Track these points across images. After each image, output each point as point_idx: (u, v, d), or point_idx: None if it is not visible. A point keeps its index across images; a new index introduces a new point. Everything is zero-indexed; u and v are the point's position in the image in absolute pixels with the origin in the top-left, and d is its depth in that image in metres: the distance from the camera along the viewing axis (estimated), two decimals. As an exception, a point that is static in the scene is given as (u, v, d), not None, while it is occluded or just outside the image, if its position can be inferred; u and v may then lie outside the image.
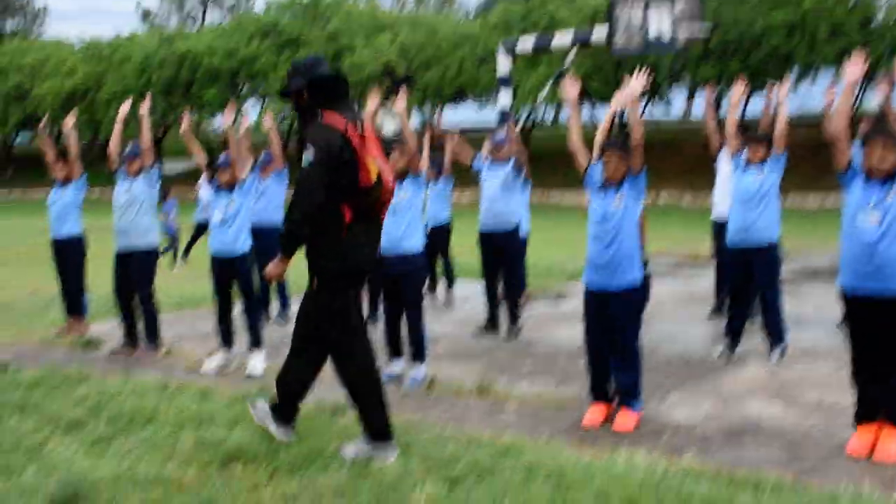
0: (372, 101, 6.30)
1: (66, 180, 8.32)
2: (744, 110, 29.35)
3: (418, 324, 6.39)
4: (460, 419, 5.45)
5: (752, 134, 6.90)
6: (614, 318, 5.33)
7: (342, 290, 4.65)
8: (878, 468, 4.51)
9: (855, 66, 4.82)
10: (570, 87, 5.64)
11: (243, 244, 7.04)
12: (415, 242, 6.35)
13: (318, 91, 4.59)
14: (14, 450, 4.80)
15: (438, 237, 10.37)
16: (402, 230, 6.27)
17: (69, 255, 8.38)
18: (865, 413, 4.76)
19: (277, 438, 4.83)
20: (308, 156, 4.42)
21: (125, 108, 8.02)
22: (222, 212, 6.96)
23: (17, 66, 50.87)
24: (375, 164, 4.52)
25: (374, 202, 4.58)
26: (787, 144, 6.81)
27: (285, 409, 4.91)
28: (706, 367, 6.84)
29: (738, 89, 7.11)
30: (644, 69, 5.51)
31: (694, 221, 24.11)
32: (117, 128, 7.93)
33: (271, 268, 4.70)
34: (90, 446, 4.89)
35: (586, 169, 5.47)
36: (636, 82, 5.39)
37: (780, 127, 6.72)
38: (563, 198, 34.56)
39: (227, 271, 7.02)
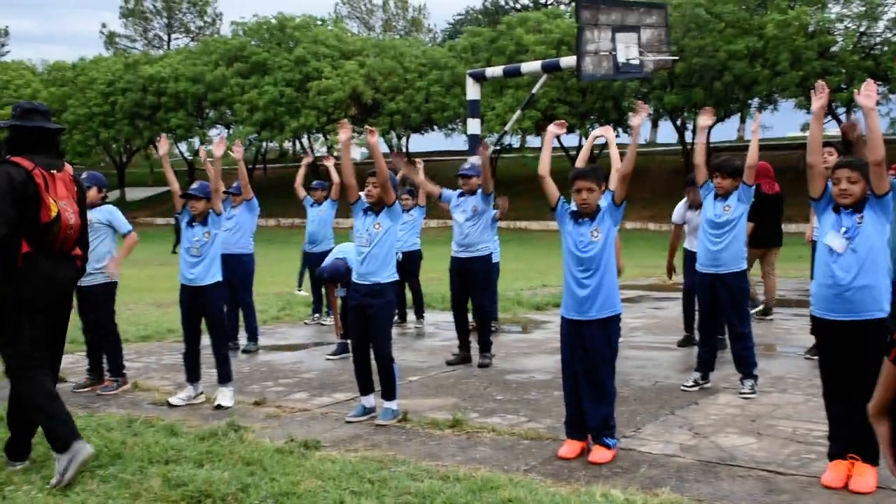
0: (344, 132, 6.27)
1: None
2: (708, 138, 29.77)
3: (388, 363, 6.25)
4: (435, 454, 5.39)
5: (721, 163, 6.94)
6: (591, 349, 5.30)
7: (14, 314, 4.89)
8: (853, 499, 4.51)
9: (819, 98, 4.89)
10: (557, 128, 5.78)
11: (214, 275, 6.93)
12: (387, 274, 6.28)
13: (17, 138, 5.02)
14: (-26, 491, 4.65)
15: (408, 265, 10.37)
16: (376, 261, 6.20)
17: None
18: (838, 451, 4.79)
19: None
20: None
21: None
22: (198, 243, 6.84)
23: (-23, 89, 50.26)
24: (57, 205, 4.90)
25: (52, 237, 4.93)
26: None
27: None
28: (679, 397, 6.84)
29: (705, 119, 7.16)
30: (640, 102, 5.57)
31: (660, 248, 24.33)
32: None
33: None
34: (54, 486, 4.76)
35: (557, 201, 5.46)
36: (638, 117, 5.47)
37: (751, 161, 6.76)
38: (529, 224, 34.74)
39: (197, 302, 6.90)
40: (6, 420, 5.21)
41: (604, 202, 5.43)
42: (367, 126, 6.50)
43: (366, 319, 6.24)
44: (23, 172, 4.82)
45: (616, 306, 5.38)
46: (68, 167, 5.17)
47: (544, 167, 5.60)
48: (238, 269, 9.00)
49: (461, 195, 8.28)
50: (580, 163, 5.94)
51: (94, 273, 7.26)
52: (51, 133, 5.13)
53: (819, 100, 4.90)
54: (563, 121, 6.07)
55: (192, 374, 6.95)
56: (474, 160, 8.52)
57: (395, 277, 6.35)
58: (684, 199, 8.77)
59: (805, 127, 39.78)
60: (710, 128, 7.11)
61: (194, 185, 7.02)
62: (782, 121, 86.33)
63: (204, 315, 6.93)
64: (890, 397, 2.11)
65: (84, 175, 7.53)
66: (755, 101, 35.02)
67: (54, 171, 4.97)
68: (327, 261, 8.82)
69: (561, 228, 5.48)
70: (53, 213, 4.88)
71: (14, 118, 5.09)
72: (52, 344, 5.16)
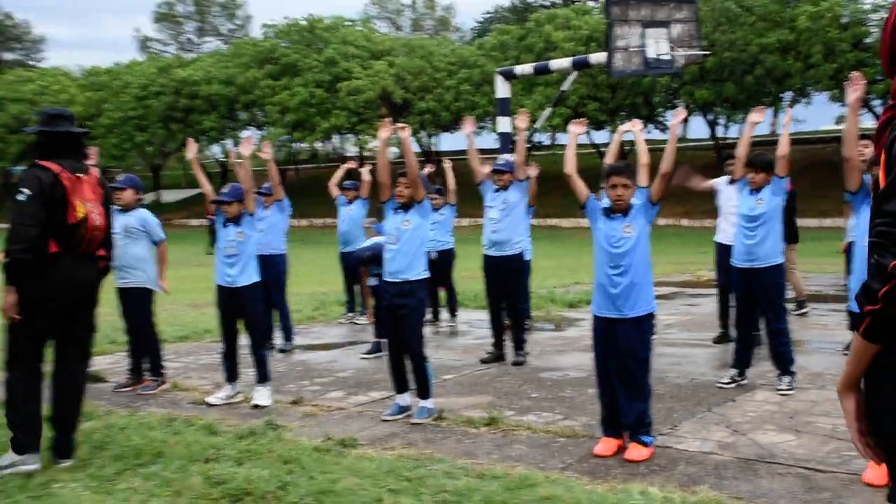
0: (384, 130, 6.32)
1: None
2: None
3: (420, 361, 6.27)
4: (471, 452, 5.40)
5: (753, 158, 6.89)
6: (625, 348, 5.28)
7: (27, 309, 5.08)
8: None
9: (855, 90, 4.84)
10: (577, 127, 5.84)
11: (251, 276, 6.98)
12: (417, 271, 6.29)
13: (45, 142, 5.21)
14: (21, 489, 4.72)
15: (442, 264, 10.41)
16: (406, 258, 6.22)
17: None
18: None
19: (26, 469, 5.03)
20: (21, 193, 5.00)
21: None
22: (232, 244, 6.90)
23: (16, 95, 50.95)
24: (84, 206, 5.10)
25: (79, 238, 5.12)
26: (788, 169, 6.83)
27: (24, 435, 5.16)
28: (715, 394, 6.79)
29: (757, 116, 7.05)
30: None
31: (693, 244, 24.15)
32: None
33: (4, 303, 5.05)
34: (98, 484, 4.82)
35: (587, 198, 5.46)
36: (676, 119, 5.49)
37: (782, 152, 6.72)
38: (560, 221, 34.62)
39: (234, 303, 6.95)
40: (49, 420, 5.31)
41: (637, 199, 5.40)
42: (400, 124, 6.51)
43: (398, 319, 6.26)
44: (51, 175, 5.02)
45: (650, 304, 5.36)
46: (94, 170, 5.34)
47: (570, 166, 5.62)
48: (272, 269, 9.05)
49: (496, 191, 8.27)
50: (609, 158, 5.91)
51: (131, 274, 7.36)
52: (76, 137, 5.31)
53: (854, 92, 4.85)
54: (583, 119, 6.10)
55: (231, 374, 7.01)
56: (507, 157, 8.50)
57: (426, 275, 6.35)
58: (725, 177, 8.66)
59: (840, 120, 39.31)
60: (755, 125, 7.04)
61: (224, 189, 7.06)
62: (816, 114, 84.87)
63: (242, 316, 6.98)
64: (860, 372, 2.10)
65: (121, 177, 7.64)
66: (788, 95, 34.62)
67: (81, 175, 5.15)
68: (367, 243, 8.73)
69: (592, 225, 5.46)
70: (80, 215, 5.07)
71: (41, 124, 5.27)
72: (69, 342, 5.30)
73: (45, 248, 5.03)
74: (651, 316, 5.39)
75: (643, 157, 5.70)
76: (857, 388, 2.15)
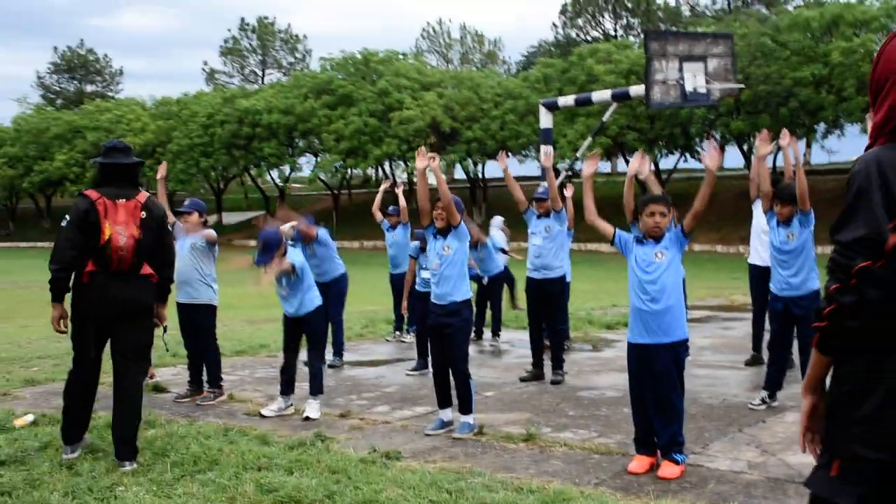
0: (421, 160, 6.35)
1: None
2: (774, 162, 29.09)
3: (465, 379, 6.28)
4: (509, 466, 5.37)
5: (777, 192, 6.77)
6: (659, 373, 5.23)
7: (74, 321, 5.50)
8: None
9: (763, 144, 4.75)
10: (590, 167, 5.82)
11: (312, 301, 7.01)
12: (461, 292, 6.30)
13: (99, 172, 5.60)
14: (88, 491, 4.81)
15: (493, 287, 10.54)
16: (450, 281, 6.24)
17: None
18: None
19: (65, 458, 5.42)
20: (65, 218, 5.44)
21: (163, 170, 7.95)
22: (287, 287, 6.93)
23: (95, 124, 52.29)
24: (111, 228, 5.35)
25: (107, 258, 5.36)
26: (812, 199, 6.70)
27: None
28: (746, 415, 6.67)
29: (763, 148, 6.74)
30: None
31: (728, 269, 23.85)
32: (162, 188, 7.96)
33: (51, 317, 5.47)
34: (158, 488, 4.89)
35: (613, 234, 5.45)
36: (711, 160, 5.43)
37: (801, 187, 6.56)
38: (600, 246, 34.39)
39: (298, 325, 7.04)
40: (111, 426, 5.43)
41: (670, 230, 5.38)
42: (429, 154, 6.52)
43: (443, 338, 6.27)
44: (87, 202, 5.35)
45: (683, 331, 5.31)
46: (142, 195, 5.52)
47: (590, 214, 5.69)
48: (333, 287, 9.08)
49: (538, 217, 8.29)
50: (627, 200, 5.86)
51: (197, 291, 7.47)
52: (125, 167, 5.55)
53: (763, 148, 4.78)
54: (596, 153, 6.13)
55: (287, 387, 7.06)
56: (544, 188, 8.51)
57: (470, 295, 6.37)
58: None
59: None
60: (772, 154, 6.87)
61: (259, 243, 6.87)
62: (849, 145, 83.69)
63: (306, 332, 7.06)
64: (820, 377, 2.27)
65: (186, 202, 7.77)
66: (821, 127, 34.13)
67: (121, 200, 5.40)
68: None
69: (626, 255, 5.44)
70: (105, 237, 5.32)
71: (100, 156, 5.59)
72: (117, 355, 5.51)
73: (82, 268, 5.36)
74: (684, 342, 5.33)
75: (654, 188, 5.68)
76: (818, 391, 2.29)
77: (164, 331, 6.41)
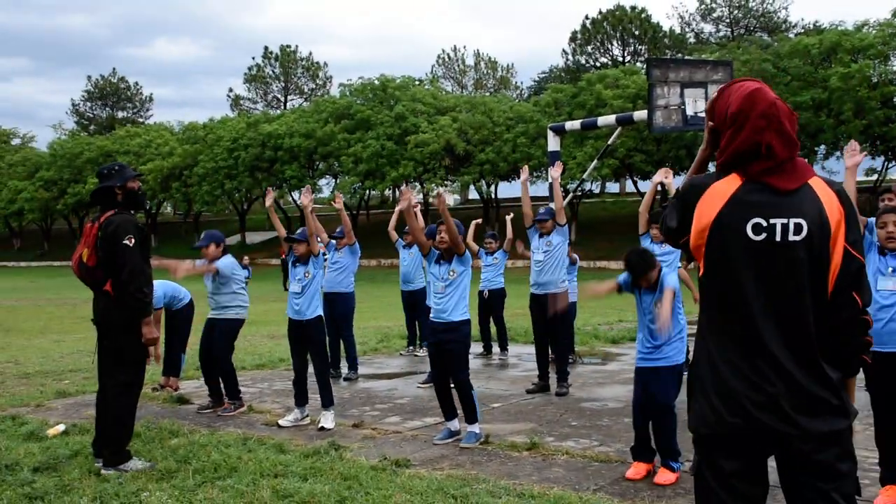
0: (404, 200, 6.50)
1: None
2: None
3: (466, 389, 6.36)
4: (513, 473, 5.44)
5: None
6: (658, 389, 5.33)
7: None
8: (906, 526, 4.38)
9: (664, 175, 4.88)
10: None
11: (315, 309, 7.15)
12: (460, 312, 6.40)
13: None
14: (115, 496, 4.92)
15: (494, 302, 10.55)
16: (451, 301, 6.35)
17: (180, 321, 8.48)
18: (890, 476, 4.65)
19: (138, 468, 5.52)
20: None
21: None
22: (300, 282, 7.11)
23: (125, 148, 52.86)
24: (82, 249, 5.69)
25: (83, 276, 5.73)
26: None
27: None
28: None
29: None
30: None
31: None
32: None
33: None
34: (180, 493, 4.99)
35: (619, 282, 5.55)
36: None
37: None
38: (608, 263, 34.37)
39: (302, 334, 7.13)
40: None
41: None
42: (438, 191, 6.64)
43: (443, 353, 6.37)
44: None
45: (682, 354, 5.46)
46: (105, 216, 5.70)
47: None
48: (340, 305, 9.25)
49: (540, 236, 8.37)
50: (644, 208, 5.96)
51: (225, 311, 7.67)
52: (94, 192, 5.88)
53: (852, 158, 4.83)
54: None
55: (300, 399, 7.16)
56: (549, 205, 8.61)
57: (468, 315, 6.47)
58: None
59: (869, 172, 38.45)
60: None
61: (297, 231, 7.28)
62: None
63: (308, 345, 7.15)
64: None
65: (202, 237, 7.92)
66: (822, 149, 34.10)
67: (93, 223, 5.73)
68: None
69: (635, 298, 5.54)
70: (77, 257, 5.72)
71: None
72: (102, 361, 5.75)
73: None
74: (685, 363, 5.44)
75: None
76: None
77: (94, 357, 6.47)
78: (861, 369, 2.53)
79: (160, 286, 7.98)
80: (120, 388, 5.66)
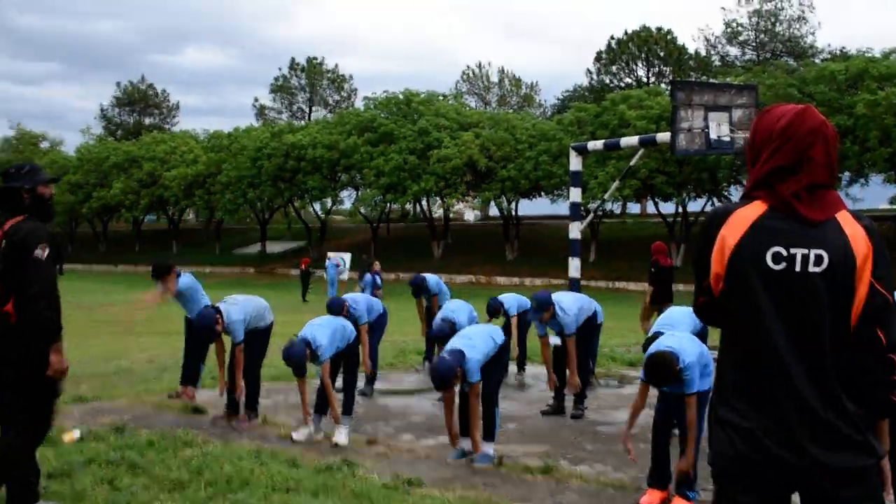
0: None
1: None
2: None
3: (491, 404, 6.35)
4: (526, 497, 5.38)
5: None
6: (681, 418, 5.28)
7: None
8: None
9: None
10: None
11: (351, 332, 7.23)
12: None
13: None
14: (127, 507, 4.92)
15: (521, 323, 10.59)
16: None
17: (201, 332, 8.51)
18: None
19: None
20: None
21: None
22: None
23: (150, 154, 53.33)
24: None
25: None
26: None
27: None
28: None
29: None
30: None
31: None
32: None
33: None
34: (191, 506, 4.98)
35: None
36: None
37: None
38: (627, 284, 34.20)
39: (340, 356, 7.21)
40: None
41: None
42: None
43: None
44: None
45: (705, 383, 5.36)
46: (9, 223, 4.59)
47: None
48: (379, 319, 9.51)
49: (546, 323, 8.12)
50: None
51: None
52: (5, 192, 4.67)
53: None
54: None
55: (321, 407, 7.16)
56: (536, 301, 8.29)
57: (497, 343, 6.57)
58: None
59: (894, 200, 38.06)
60: None
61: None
62: (872, 194, 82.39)
63: (342, 356, 7.24)
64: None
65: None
66: (846, 175, 33.79)
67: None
68: (436, 321, 8.98)
69: None
70: None
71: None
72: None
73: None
74: (705, 392, 5.36)
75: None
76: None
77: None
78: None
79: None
80: (21, 427, 4.53)
